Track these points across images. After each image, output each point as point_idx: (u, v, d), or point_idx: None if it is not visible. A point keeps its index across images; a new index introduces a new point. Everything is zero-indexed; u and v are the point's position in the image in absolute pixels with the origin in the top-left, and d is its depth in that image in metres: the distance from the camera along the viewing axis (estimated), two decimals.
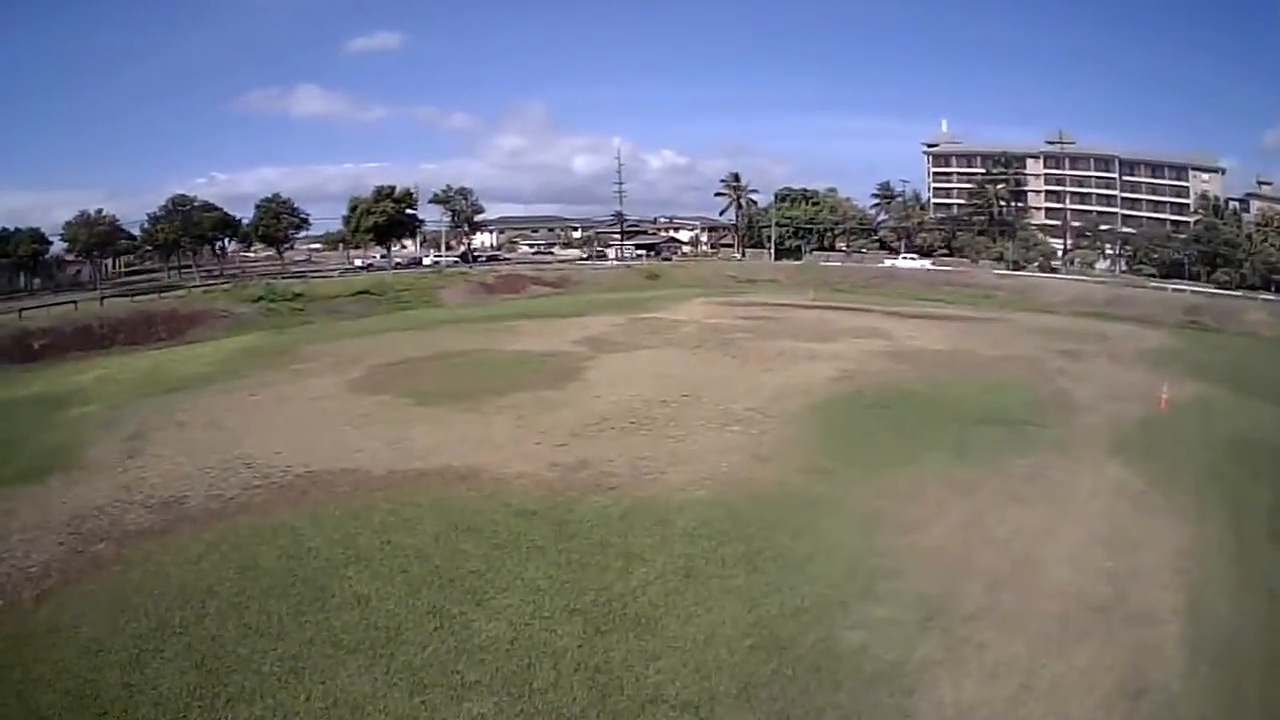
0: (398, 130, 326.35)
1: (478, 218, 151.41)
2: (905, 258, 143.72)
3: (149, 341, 71.47)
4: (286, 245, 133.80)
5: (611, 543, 26.28)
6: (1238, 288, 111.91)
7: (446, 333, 75.60)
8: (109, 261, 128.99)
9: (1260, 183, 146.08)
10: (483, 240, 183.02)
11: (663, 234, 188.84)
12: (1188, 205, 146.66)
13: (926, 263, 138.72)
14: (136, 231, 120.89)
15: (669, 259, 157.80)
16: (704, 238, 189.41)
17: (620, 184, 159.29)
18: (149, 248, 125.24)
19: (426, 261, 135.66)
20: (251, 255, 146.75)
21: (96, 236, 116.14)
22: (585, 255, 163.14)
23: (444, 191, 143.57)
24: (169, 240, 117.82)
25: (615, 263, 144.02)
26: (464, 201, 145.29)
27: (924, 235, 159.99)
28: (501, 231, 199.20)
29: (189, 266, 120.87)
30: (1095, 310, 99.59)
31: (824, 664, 19.91)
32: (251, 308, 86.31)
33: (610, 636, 20.43)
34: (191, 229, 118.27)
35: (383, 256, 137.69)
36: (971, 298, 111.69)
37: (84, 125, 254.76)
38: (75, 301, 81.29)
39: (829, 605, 22.78)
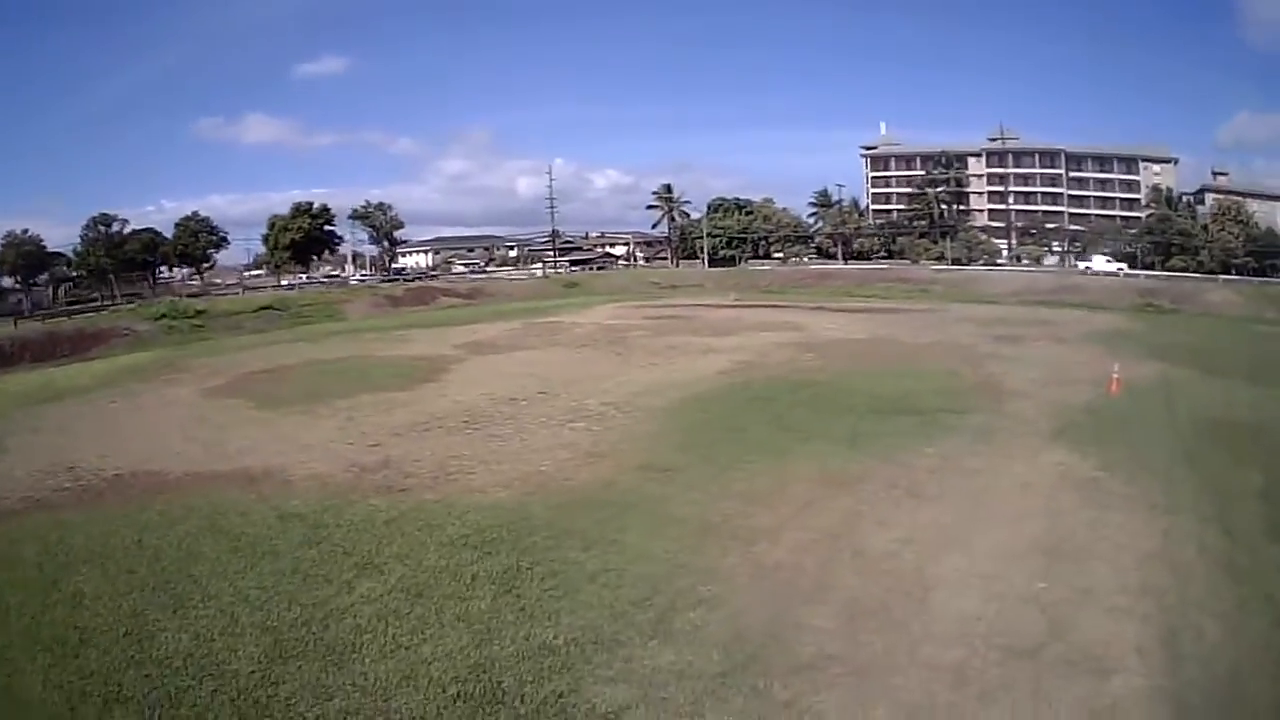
0: (345, 156, 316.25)
1: (398, 233, 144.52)
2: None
3: (53, 359, 68.12)
4: (207, 265, 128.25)
5: (356, 550, 21.86)
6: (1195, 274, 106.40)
7: (331, 343, 69.29)
8: (53, 288, 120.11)
9: (1215, 173, 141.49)
10: (417, 260, 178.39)
11: (597, 249, 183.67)
12: (1138, 199, 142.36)
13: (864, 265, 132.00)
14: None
15: (603, 268, 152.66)
16: (639, 252, 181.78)
17: (552, 203, 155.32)
18: (82, 273, 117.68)
19: (352, 281, 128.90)
20: (196, 282, 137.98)
21: (24, 258, 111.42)
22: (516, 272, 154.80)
23: (363, 207, 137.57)
24: (99, 264, 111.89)
25: (535, 274, 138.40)
26: (383, 217, 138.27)
27: (862, 240, 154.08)
28: (437, 252, 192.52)
29: (134, 294, 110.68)
30: (1041, 299, 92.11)
31: None
32: (154, 325, 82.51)
33: (291, 664, 16.22)
34: (115, 251, 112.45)
35: (308, 278, 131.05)
36: (907, 292, 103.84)
37: (29, 155, 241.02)
38: None
39: (592, 645, 16.42)
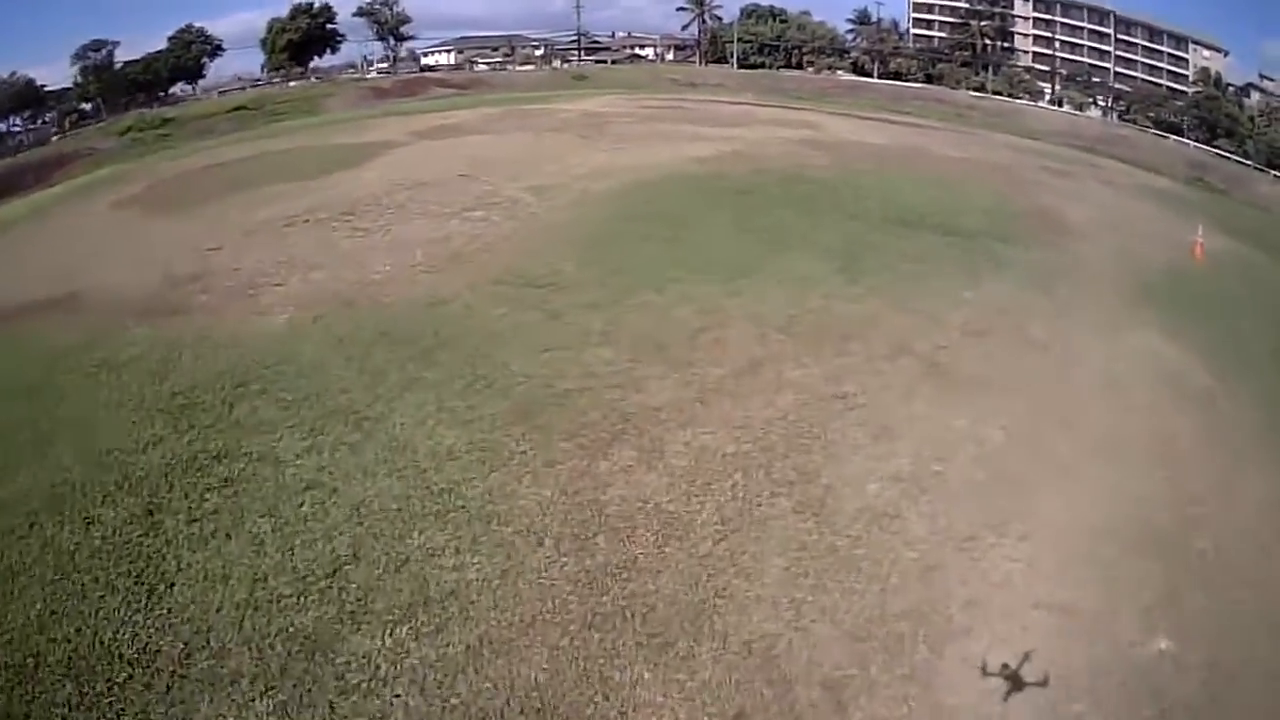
0: None
1: (405, 29, 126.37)
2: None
3: (16, 191, 59.36)
4: (200, 76, 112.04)
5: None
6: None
7: (283, 138, 57.22)
8: (61, 122, 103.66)
9: (1263, 76, 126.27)
10: (439, 59, 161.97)
11: (625, 50, 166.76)
12: (1186, 76, 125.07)
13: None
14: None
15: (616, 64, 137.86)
16: (669, 55, 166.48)
17: (579, 3, 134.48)
18: (83, 104, 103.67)
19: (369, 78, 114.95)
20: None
21: (15, 99, 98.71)
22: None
23: (368, 4, 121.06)
24: (97, 90, 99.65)
25: (546, 68, 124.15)
26: (388, 12, 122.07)
27: (900, 61, 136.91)
28: (461, 51, 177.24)
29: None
30: (1087, 145, 77.62)
31: None
32: (118, 141, 73.99)
33: None
34: (103, 74, 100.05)
35: (315, 78, 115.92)
36: (942, 114, 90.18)
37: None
38: None
39: None
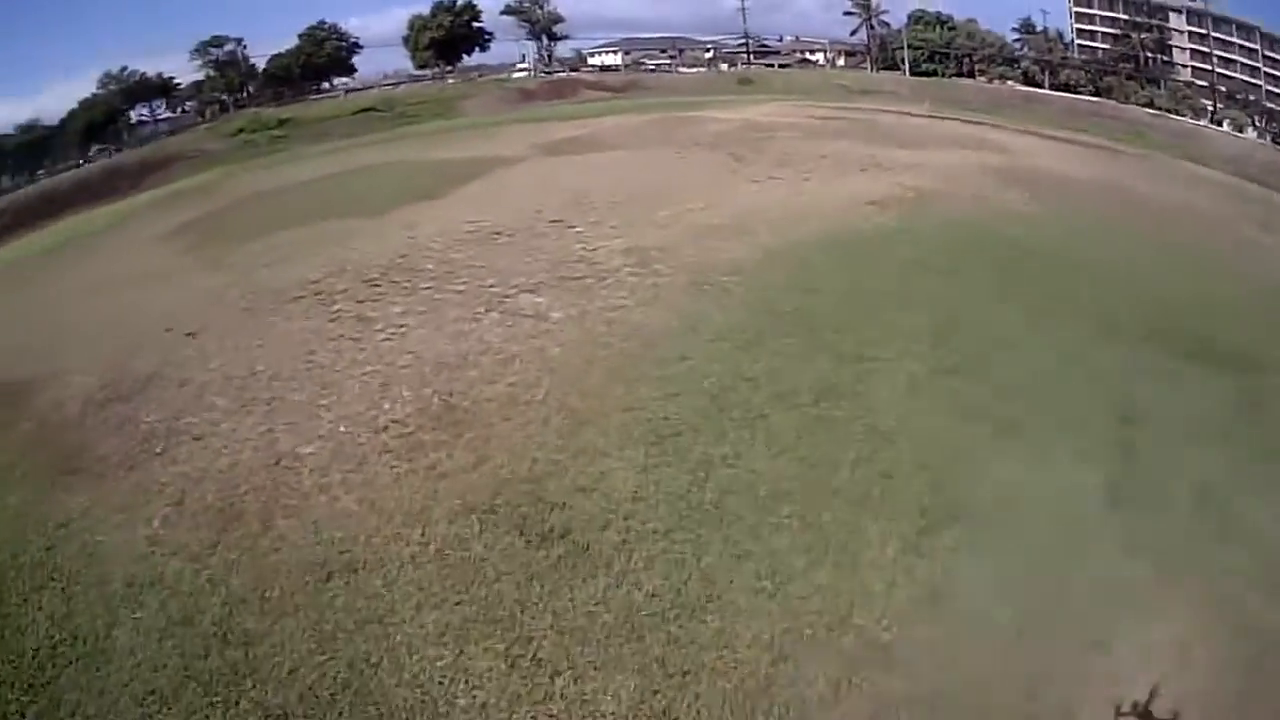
0: None
1: (557, 27, 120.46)
2: None
3: (105, 198, 57.80)
4: (337, 73, 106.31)
5: None
6: None
7: (398, 146, 52.29)
8: (204, 112, 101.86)
9: None
10: (605, 60, 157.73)
11: (795, 55, 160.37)
12: None
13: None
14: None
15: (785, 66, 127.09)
16: (840, 60, 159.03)
17: (744, 6, 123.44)
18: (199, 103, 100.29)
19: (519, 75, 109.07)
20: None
21: (126, 94, 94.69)
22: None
23: (517, 2, 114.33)
24: (227, 87, 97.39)
25: (706, 70, 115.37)
26: (539, 12, 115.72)
27: (1068, 73, 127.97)
28: (627, 52, 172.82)
29: None
30: (1259, 177, 64.22)
31: None
32: (229, 143, 70.91)
33: None
34: (226, 69, 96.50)
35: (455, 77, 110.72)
36: (1119, 132, 79.88)
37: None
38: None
39: None
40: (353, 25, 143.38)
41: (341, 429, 13.39)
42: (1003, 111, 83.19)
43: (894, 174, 29.43)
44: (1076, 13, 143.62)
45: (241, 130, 72.95)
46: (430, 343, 16.08)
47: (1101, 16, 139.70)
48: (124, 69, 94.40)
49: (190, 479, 12.73)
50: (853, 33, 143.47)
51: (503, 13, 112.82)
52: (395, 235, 23.95)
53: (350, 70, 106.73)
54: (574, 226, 22.86)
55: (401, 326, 16.95)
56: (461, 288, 18.48)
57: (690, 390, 13.82)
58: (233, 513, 11.96)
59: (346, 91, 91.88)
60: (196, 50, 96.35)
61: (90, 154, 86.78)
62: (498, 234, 22.42)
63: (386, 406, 13.84)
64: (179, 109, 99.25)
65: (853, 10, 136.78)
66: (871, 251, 20.16)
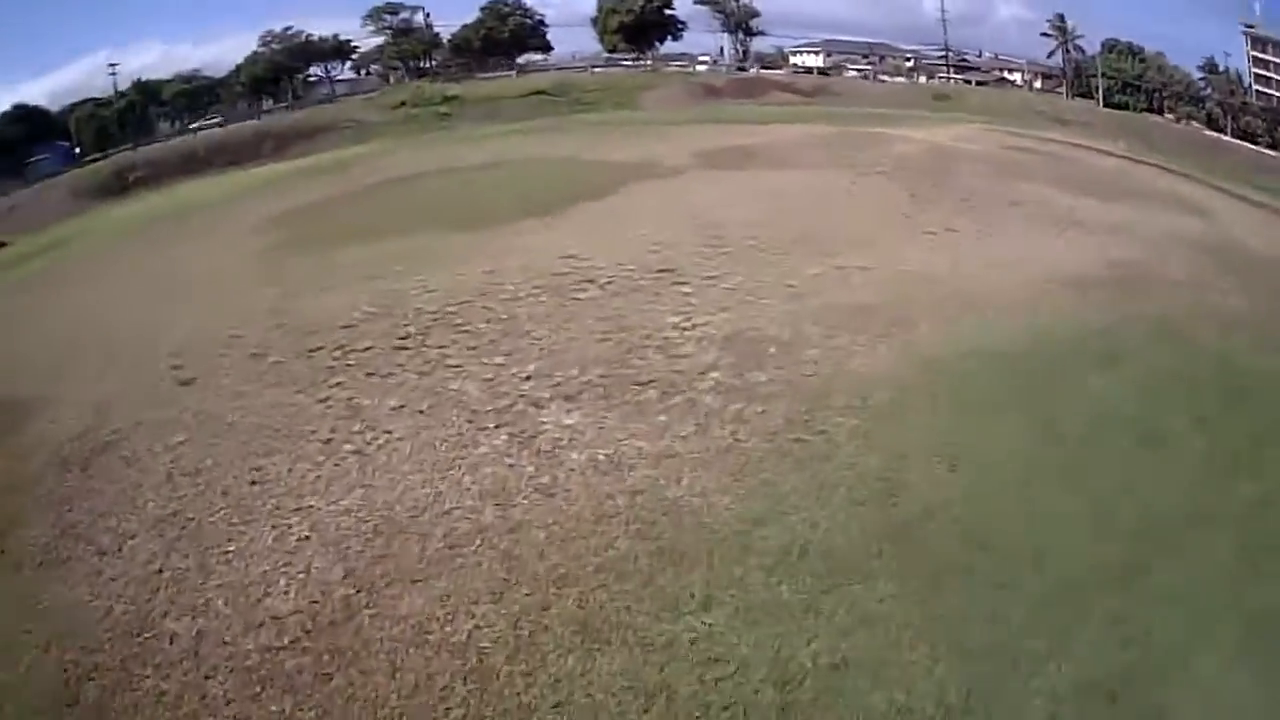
0: None
1: (753, 22, 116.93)
2: None
3: (250, 160, 59.06)
4: (519, 51, 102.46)
5: None
6: None
7: (557, 138, 48.79)
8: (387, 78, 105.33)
9: None
10: (805, 60, 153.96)
11: (994, 72, 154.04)
12: None
13: None
14: None
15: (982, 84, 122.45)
16: (1037, 83, 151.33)
17: (944, 14, 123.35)
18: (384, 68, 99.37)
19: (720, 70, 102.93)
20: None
21: (289, 53, 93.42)
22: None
23: None
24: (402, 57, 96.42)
25: (903, 80, 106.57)
26: (733, 3, 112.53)
27: (1248, 119, 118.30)
28: (829, 54, 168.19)
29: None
30: None
31: None
32: (388, 115, 68.54)
33: None
34: (406, 38, 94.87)
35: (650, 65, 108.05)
36: None
37: None
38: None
39: None
40: (548, 2, 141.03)
41: (220, 606, 9.54)
42: (1192, 157, 74.40)
43: (1094, 238, 23.87)
44: (1254, 56, 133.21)
45: (404, 103, 70.77)
46: (390, 483, 11.92)
47: (1274, 63, 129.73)
48: (287, 28, 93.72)
49: (61, 616, 9.90)
50: (1049, 55, 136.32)
51: (696, 1, 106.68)
52: (478, 264, 20.83)
53: (538, 48, 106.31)
54: (683, 282, 18.39)
55: (379, 437, 13.04)
56: (490, 375, 14.40)
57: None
58: (71, 692, 8.80)
59: (518, 72, 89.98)
60: (369, 15, 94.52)
61: (259, 109, 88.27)
62: (586, 283, 18.41)
63: (283, 587, 9.76)
64: (364, 72, 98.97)
65: (1049, 32, 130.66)
66: (1059, 377, 14.48)
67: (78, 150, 77.53)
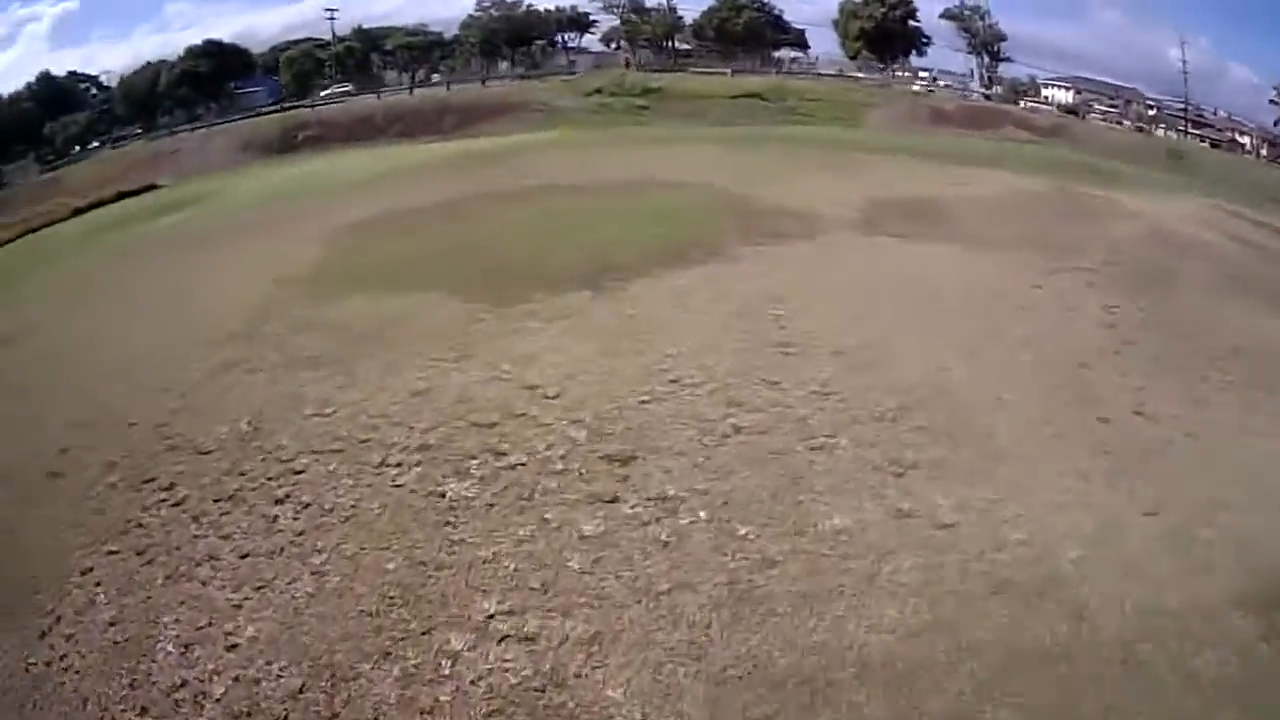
0: None
1: (1000, 46, 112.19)
2: None
3: (425, 133, 59.07)
4: (755, 46, 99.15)
5: None
6: None
7: (746, 153, 43.76)
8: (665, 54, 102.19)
9: None
10: (1054, 95, 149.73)
11: (1227, 132, 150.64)
12: None
13: None
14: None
15: (1217, 145, 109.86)
16: (1263, 150, 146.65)
17: (1185, 72, 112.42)
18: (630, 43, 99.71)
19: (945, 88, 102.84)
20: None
21: (508, 28, 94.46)
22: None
23: (956, 7, 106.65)
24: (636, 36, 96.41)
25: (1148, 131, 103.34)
26: (980, 24, 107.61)
27: None
28: (1079, 91, 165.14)
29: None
30: None
31: None
32: (580, 102, 66.51)
33: None
34: (643, 17, 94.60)
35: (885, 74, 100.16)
36: None
37: None
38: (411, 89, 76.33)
39: None
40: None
41: None
42: None
43: None
44: None
45: (599, 90, 68.16)
46: None
47: None
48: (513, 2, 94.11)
49: None
50: (1275, 123, 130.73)
51: (941, 16, 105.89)
52: (525, 347, 17.36)
53: (792, 44, 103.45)
54: (744, 424, 14.05)
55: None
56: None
57: None
58: None
59: (733, 72, 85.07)
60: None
61: (490, 72, 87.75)
62: (622, 413, 14.36)
63: None
64: (613, 45, 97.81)
65: (1277, 99, 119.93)
66: None
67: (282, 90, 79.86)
